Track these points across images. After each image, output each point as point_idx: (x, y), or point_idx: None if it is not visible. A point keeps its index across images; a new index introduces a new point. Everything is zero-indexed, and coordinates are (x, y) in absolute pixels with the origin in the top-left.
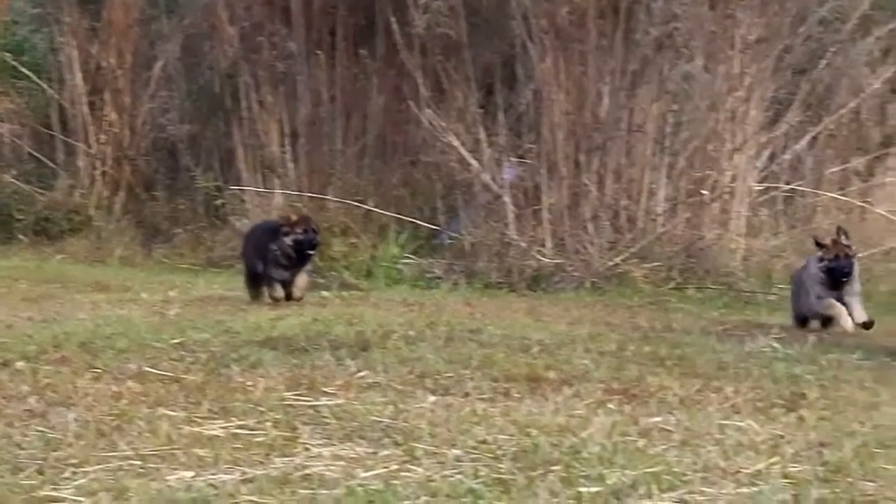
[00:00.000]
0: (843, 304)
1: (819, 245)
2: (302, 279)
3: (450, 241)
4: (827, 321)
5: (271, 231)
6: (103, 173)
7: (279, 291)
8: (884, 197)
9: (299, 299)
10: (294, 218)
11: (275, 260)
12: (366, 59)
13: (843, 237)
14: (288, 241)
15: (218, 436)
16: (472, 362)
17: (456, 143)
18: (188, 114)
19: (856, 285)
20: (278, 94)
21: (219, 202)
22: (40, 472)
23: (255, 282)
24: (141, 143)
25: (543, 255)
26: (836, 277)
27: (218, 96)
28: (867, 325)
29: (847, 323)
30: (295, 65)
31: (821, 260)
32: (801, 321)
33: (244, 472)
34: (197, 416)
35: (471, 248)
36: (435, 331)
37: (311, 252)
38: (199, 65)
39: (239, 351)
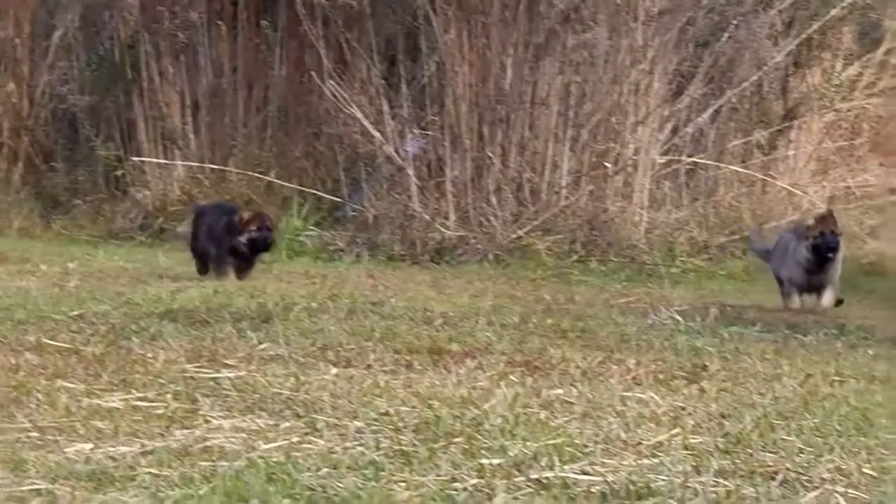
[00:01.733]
0: (820, 291)
1: (806, 228)
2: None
3: (353, 214)
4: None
5: (224, 211)
6: (1, 144)
7: (231, 278)
8: (786, 170)
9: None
10: (247, 216)
11: (229, 250)
12: (268, 30)
13: (830, 218)
14: (242, 240)
15: (117, 408)
16: (375, 334)
17: (359, 114)
18: (88, 84)
19: (837, 271)
20: (179, 64)
21: (119, 173)
22: None
23: (205, 262)
24: (40, 113)
25: (447, 228)
26: (823, 254)
27: (118, 66)
28: (837, 303)
29: (791, 307)
30: (196, 35)
31: (805, 238)
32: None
33: (144, 445)
34: (96, 389)
35: (374, 221)
36: (337, 303)
37: (266, 250)
38: (99, 34)
39: (139, 323)
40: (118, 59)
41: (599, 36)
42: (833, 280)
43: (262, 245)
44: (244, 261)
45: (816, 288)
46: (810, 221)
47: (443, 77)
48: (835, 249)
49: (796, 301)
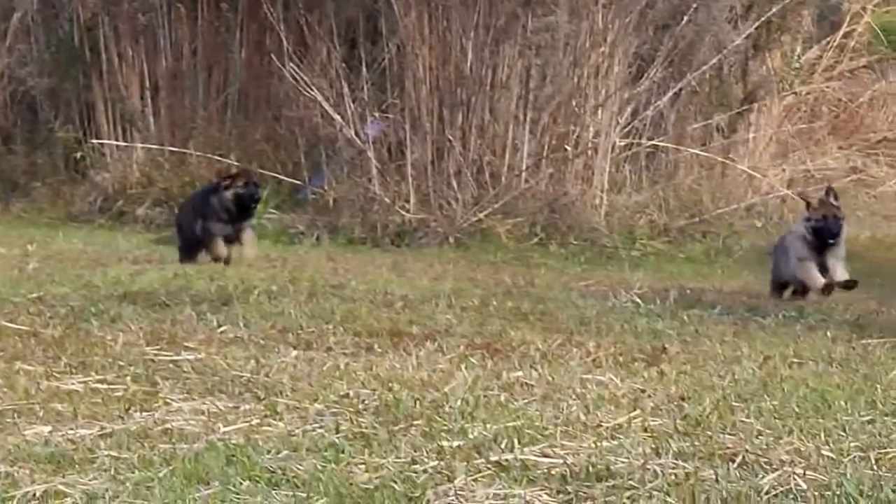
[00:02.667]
0: (826, 266)
1: (807, 203)
2: (248, 235)
3: (313, 197)
4: (805, 289)
5: (209, 191)
6: None
7: (221, 248)
8: (745, 153)
9: (252, 258)
10: (233, 171)
11: (215, 214)
12: (228, 13)
13: (831, 197)
14: (228, 195)
15: (77, 390)
16: (335, 317)
17: (319, 97)
18: (47, 66)
19: (841, 249)
20: (139, 46)
21: (79, 156)
22: None
23: (191, 247)
24: None
25: (407, 211)
26: (824, 238)
27: (78, 49)
28: (849, 285)
29: (816, 282)
30: (156, 17)
31: (807, 220)
32: (780, 287)
33: (103, 427)
34: (55, 371)
35: (334, 204)
36: (297, 286)
37: (254, 206)
38: (59, 17)
39: (98, 305)
40: (77, 42)
41: (560, 19)
42: (839, 256)
43: (248, 200)
44: (231, 222)
45: (823, 267)
46: (813, 202)
47: (403, 60)
48: (837, 234)
49: (810, 267)
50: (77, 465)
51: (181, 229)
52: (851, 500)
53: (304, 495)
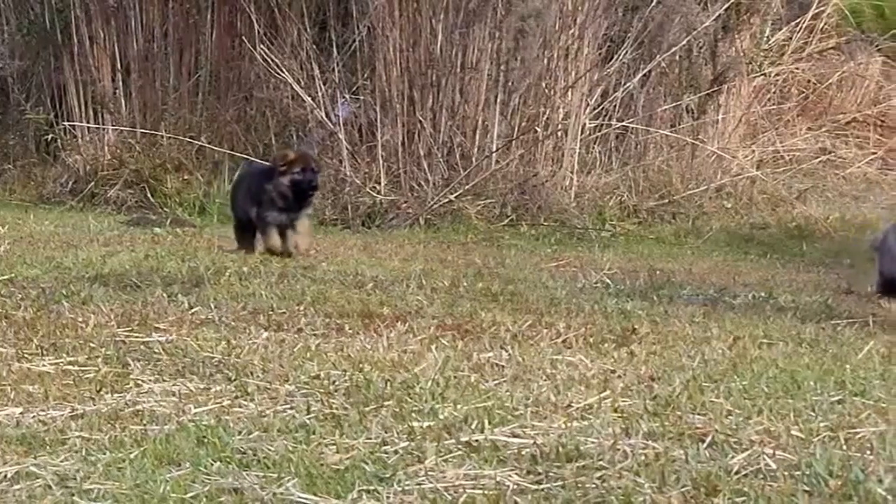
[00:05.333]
0: None
1: None
2: (303, 225)
3: None
4: None
5: (265, 173)
6: None
7: (275, 238)
8: (715, 134)
9: (307, 250)
10: (291, 156)
11: (270, 201)
12: None
13: None
14: (285, 181)
15: (48, 372)
16: (306, 298)
17: (290, 79)
18: (18, 48)
19: None
20: (110, 28)
21: (50, 138)
22: None
23: (246, 230)
24: None
25: (378, 192)
26: None
27: (49, 31)
28: None
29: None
30: None
31: None
32: (891, 288)
33: (74, 409)
34: (27, 353)
35: None
36: (268, 267)
37: (312, 193)
38: None
39: (69, 287)
40: (49, 24)
41: (537, 4)
42: None
43: (306, 187)
44: (287, 210)
45: None
46: None
47: (373, 42)
48: None
49: None
50: (48, 447)
51: (235, 210)
52: (821, 479)
53: (275, 476)
